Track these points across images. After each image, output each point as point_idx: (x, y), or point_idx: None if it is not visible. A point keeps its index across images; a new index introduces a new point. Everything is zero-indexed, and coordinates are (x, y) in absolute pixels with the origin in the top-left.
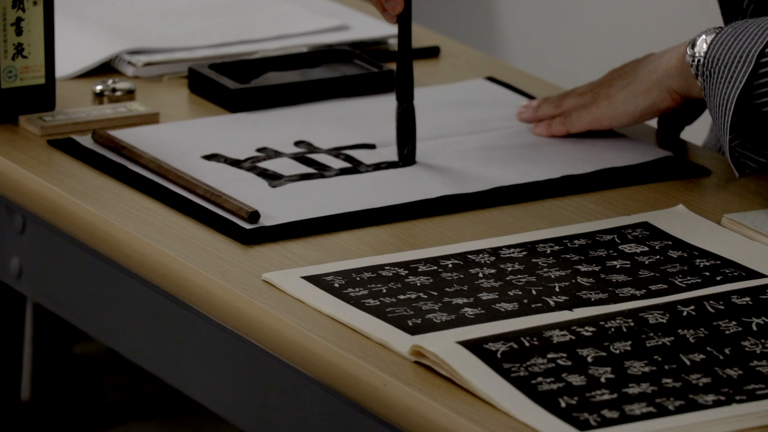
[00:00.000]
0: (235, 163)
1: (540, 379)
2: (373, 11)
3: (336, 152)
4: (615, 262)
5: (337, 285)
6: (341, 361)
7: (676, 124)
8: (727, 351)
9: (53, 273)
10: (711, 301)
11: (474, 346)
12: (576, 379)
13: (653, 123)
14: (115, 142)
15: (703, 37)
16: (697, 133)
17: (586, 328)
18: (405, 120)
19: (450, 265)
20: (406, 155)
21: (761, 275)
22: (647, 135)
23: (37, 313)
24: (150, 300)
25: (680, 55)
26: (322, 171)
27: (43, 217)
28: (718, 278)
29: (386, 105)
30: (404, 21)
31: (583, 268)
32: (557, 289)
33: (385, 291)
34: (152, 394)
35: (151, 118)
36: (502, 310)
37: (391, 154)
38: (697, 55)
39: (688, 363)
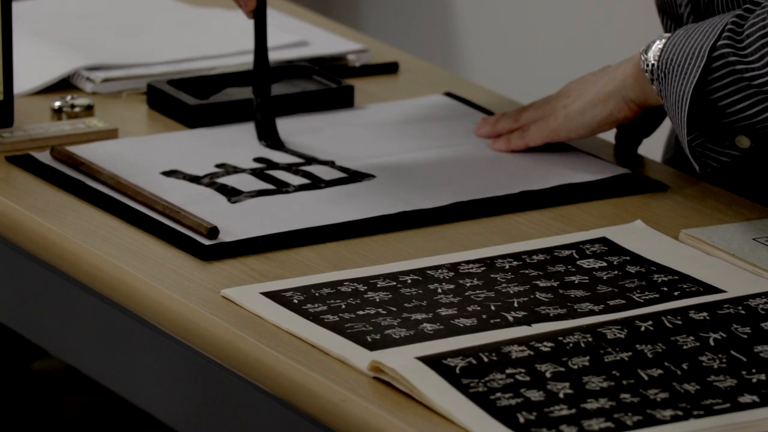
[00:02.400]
0: (194, 179)
1: (499, 394)
2: (332, 27)
3: (295, 168)
4: (573, 278)
5: (296, 301)
6: (300, 377)
7: (633, 137)
8: (684, 366)
9: (12, 289)
10: (669, 317)
11: (433, 362)
12: (534, 395)
13: (612, 139)
14: (74, 158)
15: (657, 42)
16: (655, 149)
17: (545, 343)
18: (262, 111)
19: (409, 281)
20: (270, 142)
21: (719, 290)
22: (606, 152)
23: None
24: (109, 316)
25: (635, 63)
26: (281, 187)
27: (1, 234)
28: (675, 293)
29: (346, 121)
30: (259, 16)
31: (541, 284)
32: (516, 305)
33: (344, 307)
34: (112, 410)
35: (110, 134)
36: (461, 325)
37: (353, 168)
38: (651, 59)
39: (646, 378)
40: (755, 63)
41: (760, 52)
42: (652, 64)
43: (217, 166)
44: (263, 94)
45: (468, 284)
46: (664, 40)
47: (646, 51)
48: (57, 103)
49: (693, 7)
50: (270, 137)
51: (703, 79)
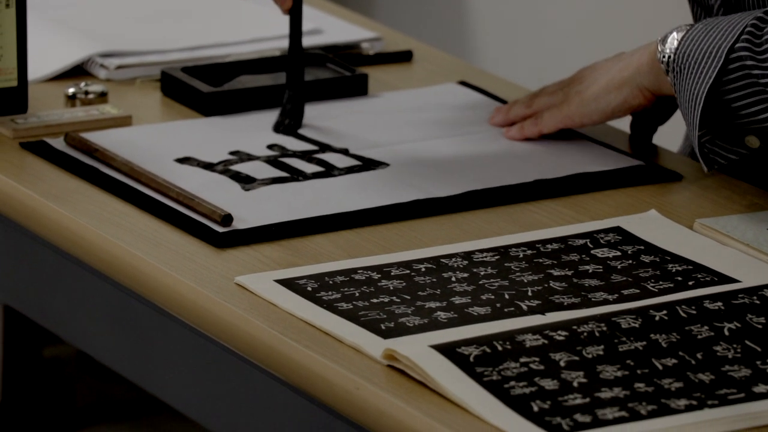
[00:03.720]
0: (208, 166)
1: (513, 383)
2: (346, 16)
3: (309, 156)
4: (588, 267)
5: (310, 288)
6: (314, 365)
7: (648, 125)
8: (699, 356)
9: (25, 275)
10: (683, 306)
11: (447, 350)
12: (548, 384)
13: (627, 129)
14: (88, 144)
15: (674, 33)
16: (670, 139)
17: (559, 332)
18: (293, 104)
19: (423, 269)
20: (285, 127)
21: (733, 280)
22: (621, 142)
23: (7, 315)
24: (122, 303)
25: (651, 52)
26: (295, 175)
27: (14, 220)
28: (690, 283)
29: (359, 109)
30: (295, 13)
31: (555, 273)
32: (530, 294)
33: (358, 295)
34: (123, 397)
35: (124, 121)
36: (475, 314)
37: (366, 156)
38: (668, 51)
39: (660, 368)
40: None
41: None
42: (669, 56)
43: (231, 153)
44: (294, 88)
45: (482, 273)
46: (682, 33)
47: (663, 41)
48: (71, 90)
49: (723, 0)
50: (295, 121)
51: (718, 80)
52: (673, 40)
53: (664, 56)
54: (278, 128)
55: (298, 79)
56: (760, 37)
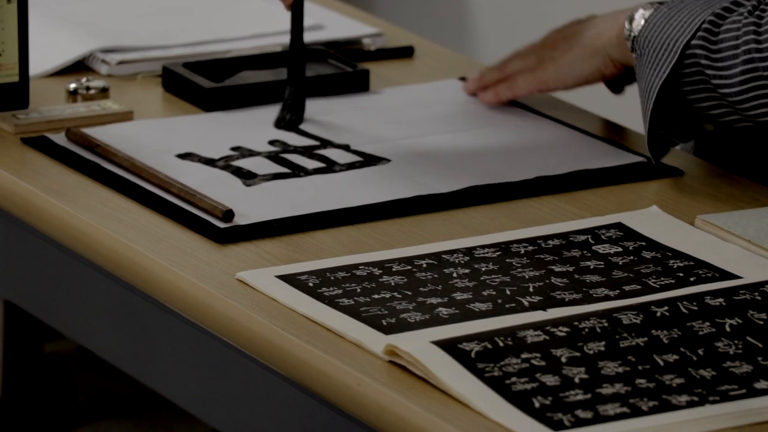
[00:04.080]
0: (210, 162)
1: (514, 379)
2: (348, 11)
3: (310, 152)
4: (589, 263)
5: (311, 284)
6: (315, 361)
7: (617, 82)
8: (700, 352)
9: (25, 271)
10: (684, 302)
11: (448, 346)
12: (550, 379)
13: (633, 127)
14: (89, 140)
15: (641, 11)
16: None
17: (560, 328)
18: (294, 99)
19: (424, 265)
20: (286, 123)
21: (734, 276)
22: (622, 138)
23: (8, 310)
24: (123, 298)
25: (620, 26)
26: (296, 170)
27: (15, 215)
28: (691, 279)
29: (361, 104)
30: (296, 11)
31: (557, 269)
32: (531, 290)
33: (359, 290)
34: (124, 392)
35: (125, 117)
36: (477, 310)
37: (368, 152)
38: (634, 30)
39: (661, 363)
40: (723, 72)
41: (729, 65)
42: (633, 36)
43: (233, 149)
44: (295, 84)
45: (483, 269)
46: (648, 14)
47: (630, 21)
48: (72, 85)
49: None
50: (296, 116)
51: (674, 74)
52: (641, 19)
53: (629, 35)
54: (279, 124)
55: (300, 74)
56: (716, 34)
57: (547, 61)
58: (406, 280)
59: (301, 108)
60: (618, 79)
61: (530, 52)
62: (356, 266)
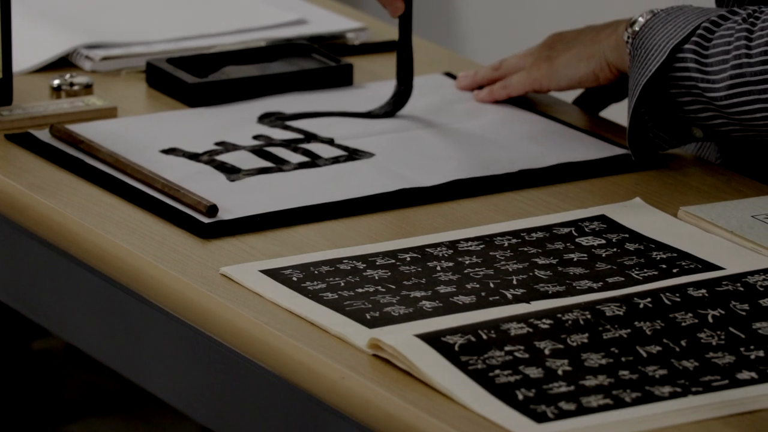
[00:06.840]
0: (194, 156)
1: (497, 371)
2: (331, 6)
3: (294, 146)
4: (572, 255)
5: (295, 279)
6: (299, 355)
7: (601, 99)
8: (683, 343)
9: (11, 268)
10: (667, 294)
11: (432, 339)
12: (533, 372)
13: (615, 119)
14: (73, 136)
15: (641, 17)
16: None
17: (544, 320)
18: (400, 97)
19: (408, 259)
20: (388, 111)
21: (717, 267)
22: (605, 131)
23: None
24: (108, 295)
25: (621, 30)
26: (280, 165)
27: (0, 212)
28: (674, 271)
29: (344, 99)
30: (405, 20)
31: (540, 261)
32: (515, 282)
33: (343, 284)
34: (113, 389)
35: (109, 113)
36: (460, 303)
37: (352, 146)
38: (631, 34)
39: (644, 355)
40: (712, 76)
41: (718, 70)
42: (632, 39)
43: (217, 144)
44: (404, 83)
45: (467, 262)
46: (648, 17)
47: (631, 24)
48: (56, 82)
49: None
50: (388, 108)
51: (662, 75)
52: (639, 23)
53: (629, 38)
54: (379, 114)
55: (408, 76)
56: (709, 40)
57: (543, 60)
58: (389, 273)
59: (401, 106)
60: (606, 94)
61: (528, 53)
62: (340, 260)
